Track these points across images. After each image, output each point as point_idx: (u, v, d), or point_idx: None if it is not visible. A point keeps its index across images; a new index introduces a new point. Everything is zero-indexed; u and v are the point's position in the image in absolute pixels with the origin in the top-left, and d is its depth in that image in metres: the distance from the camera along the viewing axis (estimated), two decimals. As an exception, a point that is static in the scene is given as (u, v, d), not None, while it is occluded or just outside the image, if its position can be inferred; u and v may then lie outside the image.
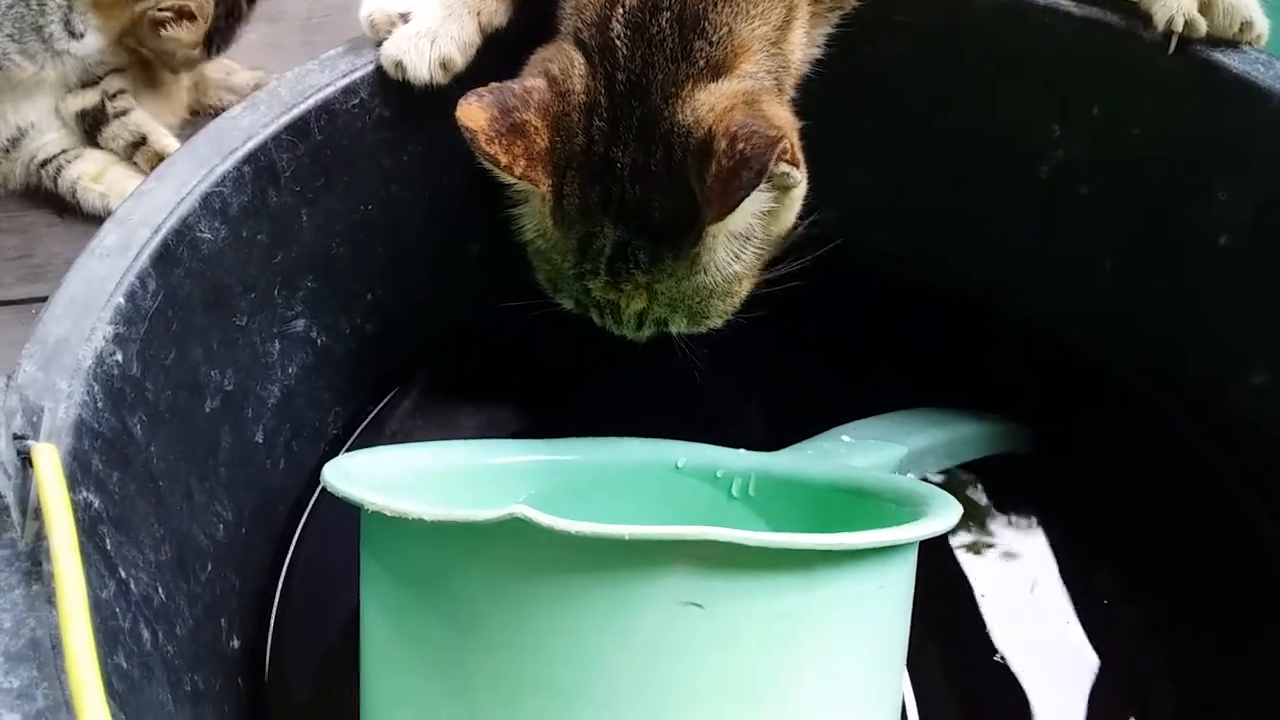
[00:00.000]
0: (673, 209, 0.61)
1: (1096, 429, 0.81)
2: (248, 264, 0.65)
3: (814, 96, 0.67)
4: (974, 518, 0.77)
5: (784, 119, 0.61)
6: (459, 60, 0.66)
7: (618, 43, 0.60)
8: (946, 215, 0.82)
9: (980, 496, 0.78)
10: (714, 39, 0.60)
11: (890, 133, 0.79)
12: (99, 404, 0.53)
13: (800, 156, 0.60)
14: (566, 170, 0.62)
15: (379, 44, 0.67)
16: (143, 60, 1.05)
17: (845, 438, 0.75)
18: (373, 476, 0.61)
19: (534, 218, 0.65)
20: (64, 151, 1.03)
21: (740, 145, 0.56)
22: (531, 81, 0.62)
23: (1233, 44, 0.66)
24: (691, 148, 0.59)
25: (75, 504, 0.48)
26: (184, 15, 0.98)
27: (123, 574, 0.52)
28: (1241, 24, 0.66)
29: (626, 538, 0.45)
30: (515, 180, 0.62)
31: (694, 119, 0.59)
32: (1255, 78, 0.65)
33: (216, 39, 1.03)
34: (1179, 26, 0.65)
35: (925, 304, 0.85)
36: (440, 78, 0.66)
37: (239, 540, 0.66)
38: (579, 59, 0.62)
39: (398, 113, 0.69)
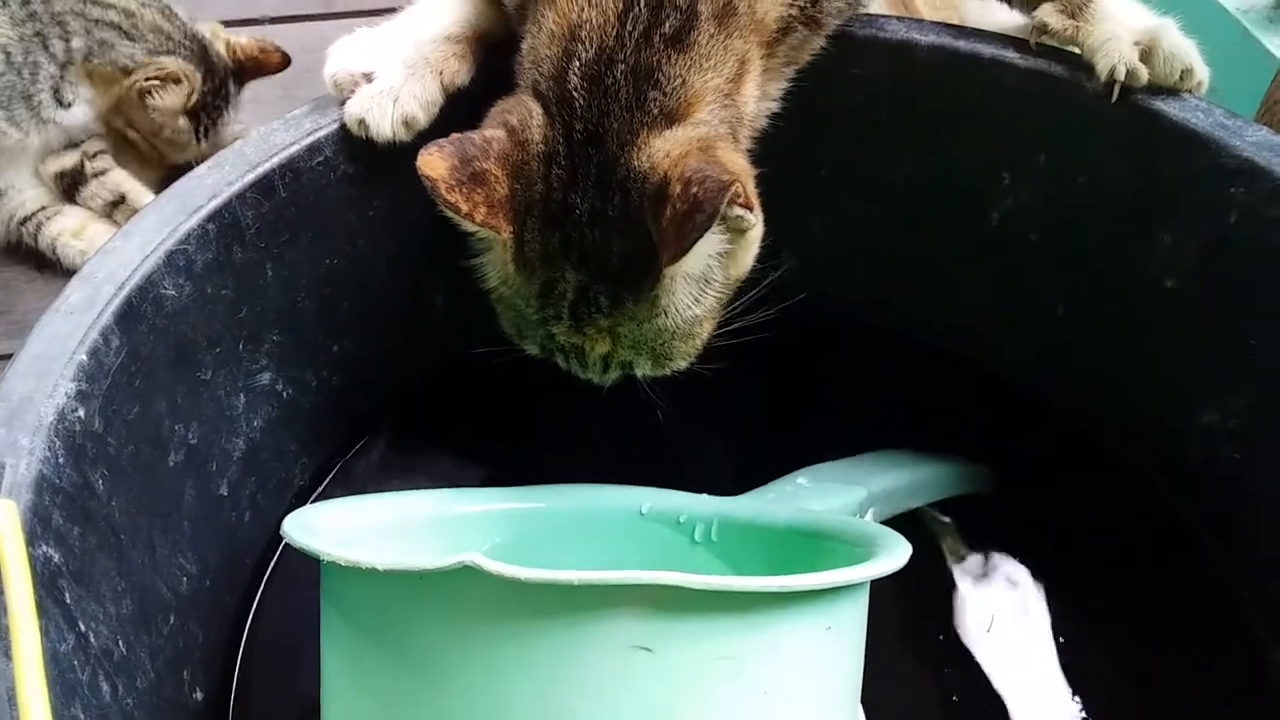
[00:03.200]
0: (631, 253, 0.62)
1: (1055, 469, 0.82)
2: (212, 319, 0.65)
3: (771, 145, 0.68)
4: (931, 558, 0.77)
5: (738, 165, 0.62)
6: (422, 118, 0.67)
7: (575, 94, 0.61)
8: (902, 261, 0.83)
9: (939, 536, 0.79)
10: (668, 89, 0.61)
11: (845, 181, 0.80)
12: (60, 460, 0.53)
13: (754, 200, 0.61)
14: (527, 217, 0.63)
15: (343, 103, 0.68)
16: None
17: (805, 481, 0.76)
18: (335, 528, 0.61)
19: (497, 265, 0.66)
20: (43, 208, 1.04)
21: (694, 189, 0.57)
22: (491, 132, 0.63)
23: (1173, 92, 0.68)
24: (648, 193, 0.60)
25: (34, 558, 0.49)
26: (170, 79, 1.00)
27: (82, 627, 0.52)
28: (1182, 71, 0.67)
29: (575, 583, 0.46)
30: (476, 228, 0.63)
31: (649, 165, 0.60)
32: (1195, 125, 0.67)
33: (205, 119, 1.05)
34: (1121, 75, 0.66)
35: (883, 348, 0.86)
36: (403, 135, 0.67)
37: (203, 593, 0.67)
38: (537, 110, 0.63)
39: (362, 170, 0.70)
